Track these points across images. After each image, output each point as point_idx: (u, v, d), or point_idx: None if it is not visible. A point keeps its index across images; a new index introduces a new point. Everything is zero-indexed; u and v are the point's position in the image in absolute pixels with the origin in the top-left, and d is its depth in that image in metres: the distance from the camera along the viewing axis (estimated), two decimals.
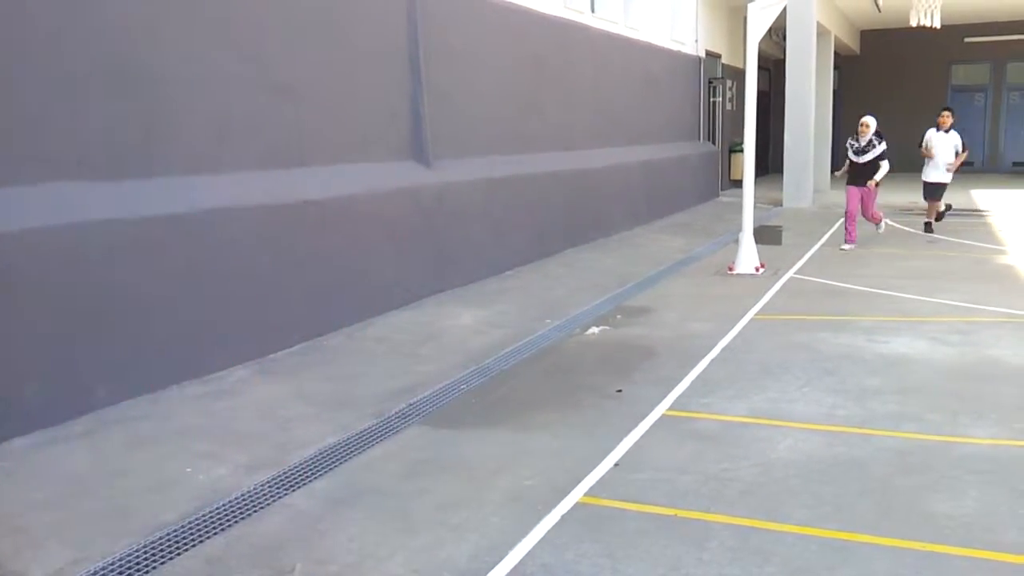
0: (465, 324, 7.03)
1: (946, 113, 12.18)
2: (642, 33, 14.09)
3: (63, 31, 4.88)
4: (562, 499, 3.78)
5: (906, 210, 14.94)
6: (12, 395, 4.57)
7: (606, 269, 9.73)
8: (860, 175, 11.12)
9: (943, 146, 12.07)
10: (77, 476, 4.11)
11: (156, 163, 5.47)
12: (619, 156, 12.86)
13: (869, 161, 10.97)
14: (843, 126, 23.76)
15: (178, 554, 3.35)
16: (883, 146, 10.94)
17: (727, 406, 5.00)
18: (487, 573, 3.17)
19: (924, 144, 12.27)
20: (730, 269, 9.41)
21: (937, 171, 12.18)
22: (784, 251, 10.87)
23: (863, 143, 11.01)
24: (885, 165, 11.04)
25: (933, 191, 12.44)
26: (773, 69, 23.39)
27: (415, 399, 5.19)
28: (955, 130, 12.10)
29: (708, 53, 17.83)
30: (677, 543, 3.37)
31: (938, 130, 12.12)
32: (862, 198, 11.26)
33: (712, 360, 5.96)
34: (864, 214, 11.45)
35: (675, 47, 15.86)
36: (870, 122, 11.05)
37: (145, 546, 3.41)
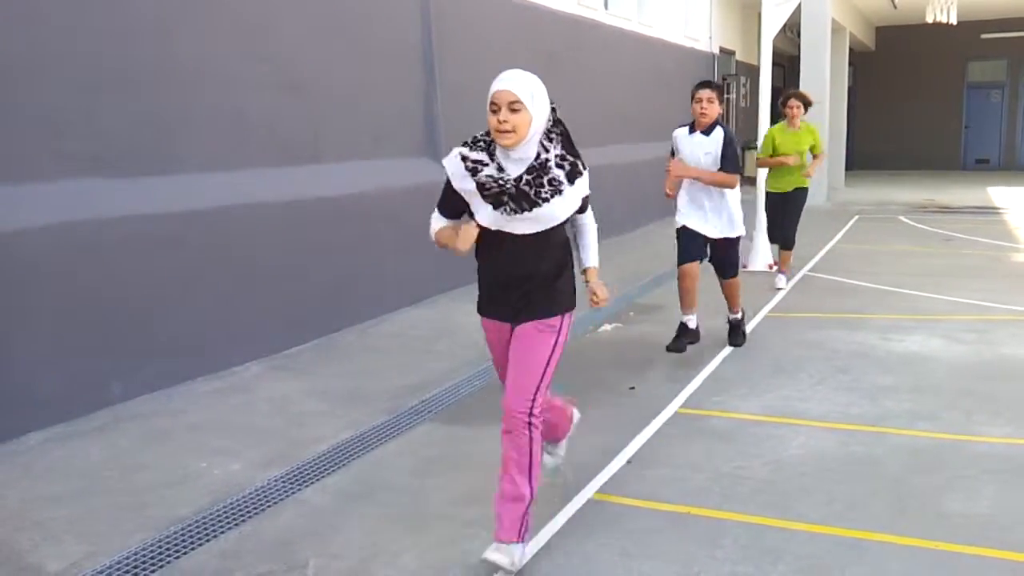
0: (478, 321, 7.02)
1: (705, 93, 5.78)
2: (655, 30, 14.05)
3: (80, 29, 4.91)
4: (575, 496, 3.78)
5: (921, 208, 14.85)
6: (30, 389, 4.61)
7: (618, 266, 9.72)
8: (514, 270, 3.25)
9: (696, 157, 5.88)
10: (93, 470, 4.14)
11: (172, 160, 5.50)
12: (632, 153, 12.83)
13: (544, 228, 3.16)
14: (858, 124, 23.75)
15: (192, 548, 3.37)
16: (583, 180, 3.21)
17: (740, 404, 4.99)
18: (499, 570, 3.17)
19: (672, 152, 6.10)
20: (743, 266, 9.37)
21: (696, 207, 6.02)
22: (798, 249, 10.75)
23: (519, 169, 3.07)
24: (587, 226, 3.55)
25: (691, 247, 6.05)
26: (787, 66, 23.29)
27: (428, 395, 5.20)
28: (721, 128, 5.85)
29: (722, 50, 17.77)
30: (690, 541, 3.37)
31: (692, 130, 5.93)
32: (516, 351, 3.33)
33: (725, 358, 5.95)
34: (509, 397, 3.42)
35: (689, 44, 15.81)
36: (536, 98, 3.03)
37: (160, 540, 3.43)
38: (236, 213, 5.85)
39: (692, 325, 6.12)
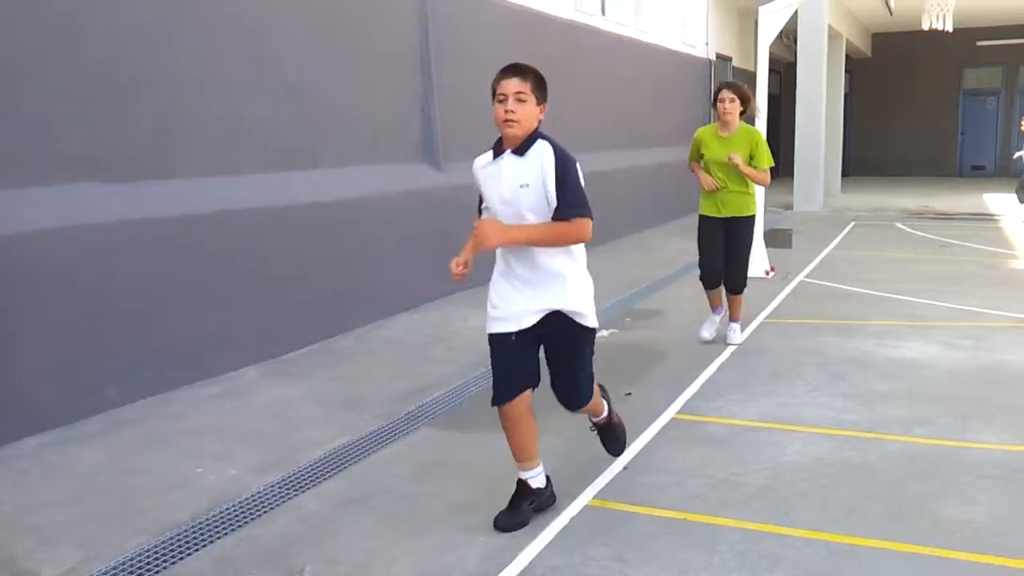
0: (475, 326, 7.03)
1: (512, 84, 3.51)
2: (652, 36, 14.09)
3: (78, 32, 4.91)
4: (571, 502, 3.78)
5: (918, 214, 14.88)
6: (26, 394, 4.60)
7: (615, 272, 9.73)
8: None
9: (506, 194, 3.43)
10: (89, 475, 4.13)
11: (168, 165, 5.50)
12: (629, 159, 12.85)
13: None
14: (854, 130, 23.81)
15: (188, 554, 3.36)
16: None
17: (737, 410, 5.00)
18: (496, 575, 3.17)
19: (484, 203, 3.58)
20: None
21: (512, 290, 3.49)
22: (794, 255, 10.84)
23: None
24: None
25: (513, 367, 3.50)
26: (784, 72, 23.34)
27: (425, 401, 5.20)
28: (546, 141, 3.51)
29: (719, 56, 17.80)
30: (686, 547, 3.37)
31: (499, 153, 3.54)
32: None
33: (722, 364, 5.95)
34: None
35: (686, 50, 15.85)
36: None
37: (155, 546, 3.43)
38: (233, 218, 5.85)
39: (537, 483, 3.65)
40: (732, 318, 6.52)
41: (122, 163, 5.20)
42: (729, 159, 6.03)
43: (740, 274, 6.36)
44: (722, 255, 6.30)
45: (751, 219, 6.32)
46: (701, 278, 6.48)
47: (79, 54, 4.93)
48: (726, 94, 6.09)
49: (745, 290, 6.46)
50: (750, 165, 6.10)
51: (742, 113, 6.12)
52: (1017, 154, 13.90)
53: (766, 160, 6.12)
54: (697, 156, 6.35)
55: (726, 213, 6.24)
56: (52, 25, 4.79)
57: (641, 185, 13.33)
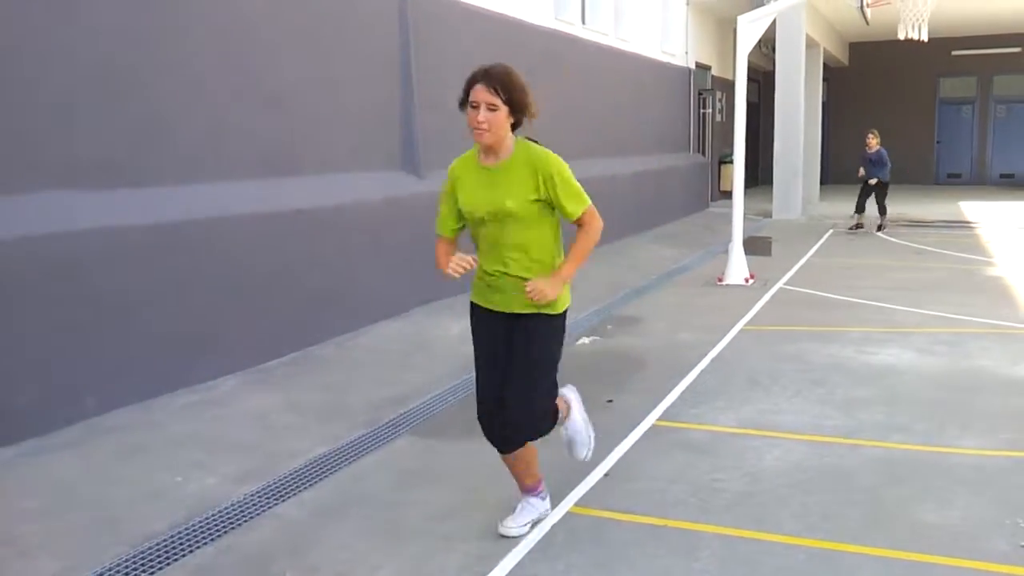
0: (455, 334, 7.03)
1: None
2: (632, 45, 14.17)
3: (55, 39, 4.88)
4: (552, 509, 3.78)
5: (893, 221, 15.02)
6: (2, 403, 4.55)
7: (596, 279, 9.75)
8: None
9: None
10: (67, 485, 4.09)
11: (147, 172, 5.47)
12: (609, 167, 12.90)
13: None
14: (832, 138, 24.01)
15: (167, 564, 3.34)
16: None
17: (717, 416, 5.02)
18: None
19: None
20: (720, 280, 9.45)
21: None
22: (773, 262, 10.92)
23: None
24: None
25: None
26: (763, 81, 23.54)
27: (405, 409, 5.19)
28: None
29: (698, 65, 17.92)
30: (667, 553, 3.38)
31: None
32: None
33: (702, 371, 5.98)
34: None
35: (665, 59, 15.95)
36: None
37: (134, 556, 3.40)
38: (212, 226, 5.83)
39: None
40: (525, 487, 3.61)
41: (100, 170, 5.16)
42: (528, 294, 3.26)
43: (524, 407, 3.39)
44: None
45: (557, 318, 3.47)
46: (479, 418, 3.53)
47: (58, 60, 4.90)
48: (481, 93, 3.18)
49: (539, 439, 3.52)
50: (538, 205, 3.28)
51: (515, 125, 3.29)
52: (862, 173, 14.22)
53: (576, 200, 3.30)
54: (454, 217, 3.46)
55: (511, 305, 3.41)
56: (27, 31, 4.76)
57: (620, 193, 13.38)
